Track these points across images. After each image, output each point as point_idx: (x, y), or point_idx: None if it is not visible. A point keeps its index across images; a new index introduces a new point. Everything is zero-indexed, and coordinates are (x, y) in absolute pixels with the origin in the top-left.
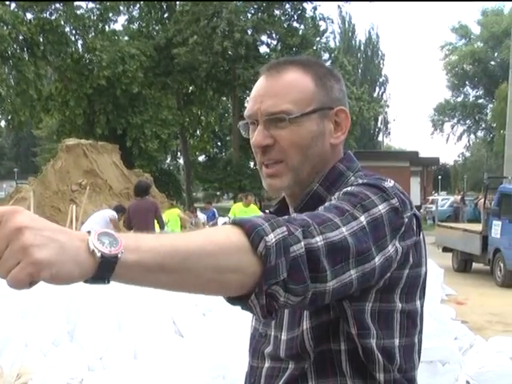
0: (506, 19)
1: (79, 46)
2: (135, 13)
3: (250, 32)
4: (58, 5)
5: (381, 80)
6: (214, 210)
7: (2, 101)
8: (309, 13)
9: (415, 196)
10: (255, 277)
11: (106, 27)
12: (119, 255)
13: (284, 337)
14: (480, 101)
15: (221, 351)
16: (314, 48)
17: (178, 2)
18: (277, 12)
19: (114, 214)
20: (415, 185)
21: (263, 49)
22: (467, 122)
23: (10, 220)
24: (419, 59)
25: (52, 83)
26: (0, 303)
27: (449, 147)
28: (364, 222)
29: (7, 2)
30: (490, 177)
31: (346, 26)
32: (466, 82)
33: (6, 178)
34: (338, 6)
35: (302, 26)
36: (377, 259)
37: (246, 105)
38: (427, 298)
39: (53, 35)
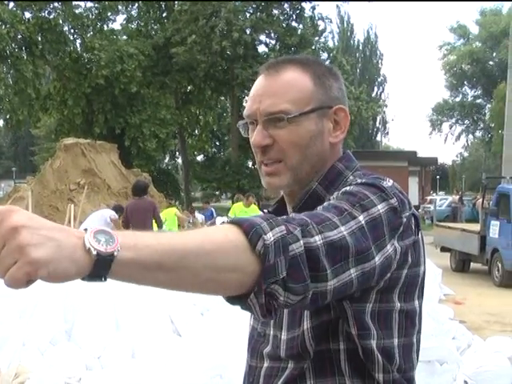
0: (505, 19)
1: (77, 45)
2: (134, 12)
3: (248, 31)
4: (56, 4)
5: (379, 80)
6: (212, 209)
7: (0, 100)
8: (307, 12)
9: (413, 196)
10: (254, 276)
11: (105, 26)
12: (115, 253)
13: (284, 336)
14: (478, 101)
15: (219, 350)
16: (313, 48)
17: (176, 2)
18: (275, 11)
19: (114, 213)
20: (413, 185)
21: (262, 48)
22: (465, 121)
23: (6, 219)
24: (417, 59)
25: (50, 82)
26: None
27: (447, 147)
28: (363, 222)
29: (5, 1)
30: (488, 177)
31: (345, 25)
32: (465, 82)
33: (4, 178)
34: (337, 6)
35: (301, 26)
36: (377, 258)
37: (244, 104)
38: (425, 297)
39: (51, 34)
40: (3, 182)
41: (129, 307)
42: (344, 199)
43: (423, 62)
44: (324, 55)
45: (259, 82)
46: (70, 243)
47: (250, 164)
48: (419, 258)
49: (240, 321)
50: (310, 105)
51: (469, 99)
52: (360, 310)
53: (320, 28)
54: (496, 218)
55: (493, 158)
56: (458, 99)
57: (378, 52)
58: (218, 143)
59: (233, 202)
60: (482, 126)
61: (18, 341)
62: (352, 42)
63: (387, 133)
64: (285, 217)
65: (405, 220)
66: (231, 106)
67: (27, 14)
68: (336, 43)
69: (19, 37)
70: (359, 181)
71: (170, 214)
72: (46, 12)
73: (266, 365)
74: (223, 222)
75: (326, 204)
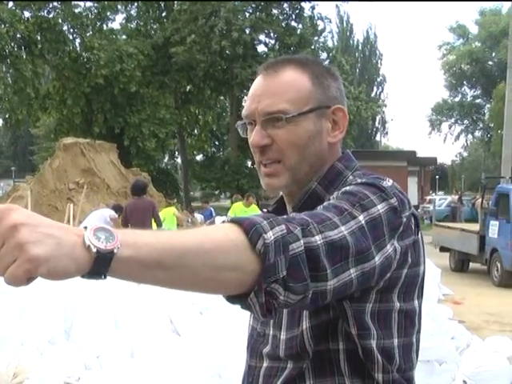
0: (504, 19)
1: (77, 44)
2: (133, 11)
3: (247, 31)
4: (55, 3)
5: (378, 79)
6: (211, 209)
7: (0, 99)
8: (307, 12)
9: (413, 196)
10: (254, 275)
11: (104, 26)
12: (115, 250)
13: (283, 336)
14: (478, 101)
15: (218, 350)
16: (312, 47)
17: (175, 1)
18: (275, 11)
19: (113, 213)
20: (413, 184)
21: (261, 48)
22: (465, 121)
23: (5, 218)
24: (417, 59)
25: (50, 82)
26: None
27: (446, 147)
28: (363, 222)
29: (5, 1)
30: (487, 177)
31: (344, 25)
32: (464, 82)
33: (4, 177)
34: (336, 6)
35: (300, 26)
36: (377, 258)
37: (243, 104)
38: (424, 297)
39: (50, 34)
40: (2, 181)
41: (128, 306)
42: (344, 199)
43: (422, 61)
44: (323, 55)
45: (258, 82)
46: (70, 241)
47: (249, 164)
48: (419, 257)
49: (239, 320)
50: (309, 105)
51: (468, 99)
52: (360, 309)
53: (319, 28)
54: (495, 217)
55: (492, 157)
56: (457, 99)
57: (378, 52)
58: (217, 143)
59: (231, 203)
60: (481, 125)
61: (16, 340)
62: (351, 41)
63: (386, 133)
64: (285, 216)
65: (405, 220)
66: (230, 105)
67: (26, 14)
68: (335, 43)
69: (18, 36)
70: (359, 180)
71: (168, 213)
72: (46, 11)
73: (265, 365)
74: (223, 221)
75: (326, 204)
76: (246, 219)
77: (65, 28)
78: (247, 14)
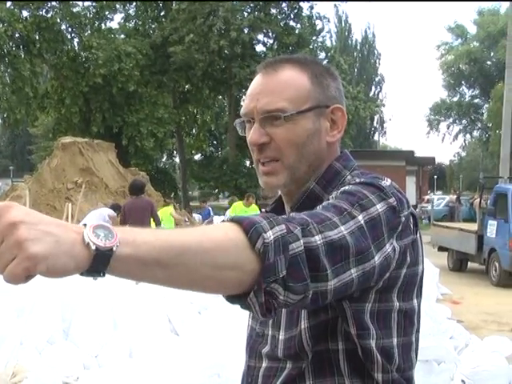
0: (502, 19)
1: (75, 43)
2: (131, 11)
3: (246, 31)
4: (54, 2)
5: (377, 79)
6: (210, 208)
7: None
8: (305, 12)
9: (411, 195)
10: (254, 274)
11: (102, 25)
12: (114, 248)
13: (282, 336)
14: (476, 100)
15: (216, 349)
16: (311, 47)
17: (174, 1)
18: (273, 11)
19: (112, 212)
20: (411, 184)
21: (259, 48)
22: (463, 121)
23: (4, 215)
24: (415, 59)
25: (48, 81)
26: None
27: (444, 147)
28: (362, 222)
29: (3, 0)
30: (485, 176)
31: (343, 25)
32: (462, 82)
33: (2, 176)
34: (335, 5)
35: (299, 25)
36: (376, 258)
37: (242, 103)
38: (423, 297)
39: (49, 33)
40: (0, 180)
41: (126, 306)
42: (343, 199)
43: (421, 61)
44: (322, 55)
45: (257, 81)
46: (69, 238)
47: (247, 163)
48: (418, 257)
49: (238, 320)
50: (307, 103)
51: (466, 99)
52: (359, 309)
53: (318, 27)
54: (493, 217)
55: (490, 157)
56: (455, 99)
57: (376, 51)
58: (215, 142)
59: (229, 203)
60: (479, 125)
61: (15, 340)
62: (350, 41)
63: (385, 132)
64: (285, 216)
65: (403, 219)
66: (229, 105)
67: (25, 13)
68: (334, 43)
69: (17, 35)
70: (358, 180)
71: (165, 213)
72: (44, 11)
73: (264, 365)
74: (223, 220)
75: (325, 203)
76: (246, 218)
77: (63, 27)
78: (245, 14)
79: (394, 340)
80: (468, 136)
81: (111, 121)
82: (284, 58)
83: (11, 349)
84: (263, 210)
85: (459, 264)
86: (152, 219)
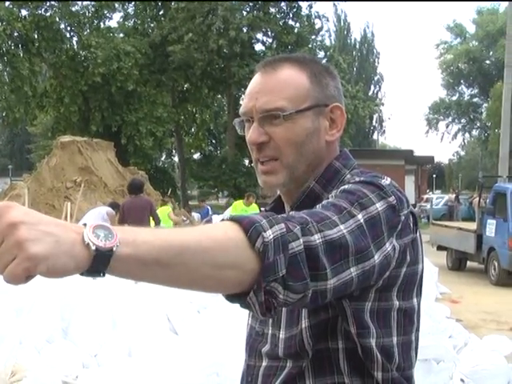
0: (501, 18)
1: (74, 42)
2: (130, 10)
3: (245, 30)
4: (53, 1)
5: (376, 78)
6: (208, 207)
7: None
8: (304, 11)
9: (410, 194)
10: (253, 274)
11: (101, 24)
12: (114, 248)
13: (282, 335)
14: (475, 100)
15: (215, 348)
16: (310, 46)
17: (173, 0)
18: (272, 10)
19: (111, 209)
20: (410, 183)
21: (258, 47)
22: (462, 120)
23: (3, 215)
24: (414, 58)
25: (47, 80)
26: None
27: (443, 146)
28: (362, 220)
29: None
30: (484, 176)
31: (342, 24)
32: (461, 81)
33: (1, 175)
34: (334, 4)
35: (298, 24)
36: (376, 257)
37: (241, 102)
38: (422, 296)
39: (48, 32)
40: None
41: (125, 305)
42: (343, 197)
43: (420, 60)
44: (321, 54)
45: (256, 80)
46: (69, 238)
47: (246, 162)
48: (417, 255)
49: (237, 319)
50: (307, 102)
51: (465, 98)
52: (359, 308)
53: (317, 26)
54: (492, 216)
55: (489, 156)
56: (454, 98)
57: (375, 51)
58: (214, 141)
59: (230, 205)
60: (478, 124)
61: (14, 339)
62: (349, 40)
63: (384, 131)
64: (285, 215)
65: (403, 218)
66: (228, 104)
67: (24, 12)
68: (333, 42)
69: (15, 34)
70: (357, 179)
71: (163, 213)
72: (43, 10)
73: (264, 364)
74: (223, 219)
75: (325, 202)
76: (246, 218)
77: (62, 26)
78: (244, 13)
79: (394, 339)
80: (467, 135)
81: (110, 120)
82: (283, 57)
83: (10, 348)
84: (263, 209)
85: (458, 263)
86: (151, 218)
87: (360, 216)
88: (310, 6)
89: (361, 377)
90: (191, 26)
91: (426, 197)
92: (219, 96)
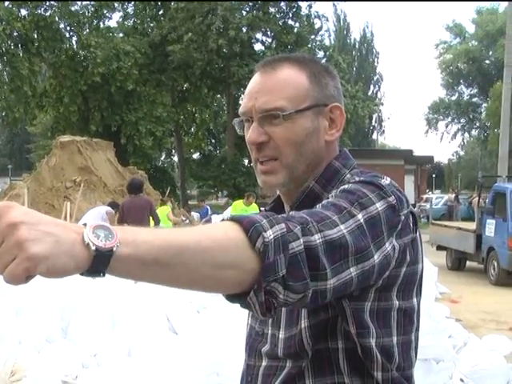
0: (501, 18)
1: (74, 42)
2: (130, 10)
3: (244, 30)
4: (52, 1)
5: (375, 78)
6: (208, 207)
7: None
8: (304, 11)
9: (409, 194)
10: (254, 273)
11: (101, 24)
12: (114, 248)
13: (282, 335)
14: (474, 99)
15: (215, 348)
16: (309, 46)
17: (172, 0)
18: (272, 10)
19: (110, 208)
20: (409, 183)
21: (258, 46)
22: (461, 120)
23: (4, 215)
24: (414, 58)
25: (46, 80)
26: None
27: (443, 146)
28: (361, 220)
29: None
30: (484, 175)
31: (341, 24)
32: (461, 81)
33: (0, 175)
34: (333, 4)
35: (297, 24)
36: (376, 257)
37: (240, 102)
38: (421, 295)
39: (47, 32)
40: None
41: (125, 305)
42: (343, 197)
43: (419, 60)
44: (320, 53)
45: (255, 80)
46: (69, 238)
47: (246, 162)
48: (417, 255)
49: (237, 318)
50: (306, 102)
51: (465, 98)
52: (359, 308)
53: (316, 26)
54: (492, 216)
55: (489, 156)
56: (454, 98)
57: (374, 50)
58: (214, 141)
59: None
60: (478, 124)
61: (14, 339)
62: (348, 40)
63: (383, 131)
64: (285, 215)
65: (403, 218)
66: (227, 103)
67: (23, 12)
68: (332, 41)
69: (15, 34)
70: (357, 179)
71: (162, 213)
72: (42, 9)
73: (264, 364)
74: (223, 219)
75: (324, 202)
76: (246, 217)
77: (61, 26)
78: (244, 13)
79: (394, 339)
80: (466, 135)
81: (110, 119)
82: (282, 56)
83: (10, 348)
84: (262, 209)
85: (458, 263)
86: (151, 218)
87: (360, 216)
88: (310, 6)
89: (361, 377)
90: (191, 26)
91: (425, 197)
92: (219, 96)
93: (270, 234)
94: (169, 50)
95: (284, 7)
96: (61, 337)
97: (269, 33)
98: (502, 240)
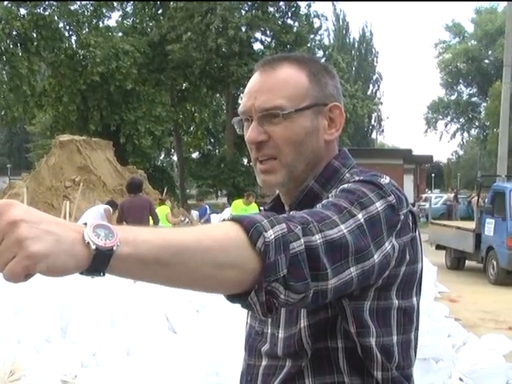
0: (500, 17)
1: (73, 41)
2: (129, 9)
3: (244, 29)
4: (51, 0)
5: (374, 77)
6: (207, 206)
7: None
8: (303, 10)
9: (408, 194)
10: (254, 273)
11: (100, 23)
12: (114, 248)
13: (281, 335)
14: (473, 99)
15: (214, 348)
16: (308, 45)
17: None
18: (271, 9)
19: (108, 206)
20: (408, 182)
21: (257, 46)
22: (461, 120)
23: (4, 213)
24: (413, 57)
25: (45, 79)
26: None
27: (442, 145)
28: (362, 220)
29: None
30: (483, 175)
31: (340, 23)
32: (460, 80)
33: None
34: (332, 4)
35: (296, 24)
36: (376, 256)
37: (239, 102)
38: (421, 295)
39: (46, 31)
40: None
41: (124, 304)
42: (343, 197)
43: (418, 60)
44: (319, 53)
45: (255, 79)
46: (69, 237)
47: (245, 161)
48: (417, 254)
49: (236, 318)
50: (306, 101)
51: (464, 97)
52: (359, 307)
53: (315, 26)
54: (491, 215)
55: (488, 156)
56: (453, 97)
57: (374, 50)
58: (213, 140)
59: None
60: (477, 124)
61: (13, 338)
62: (347, 39)
63: (382, 130)
64: (285, 215)
65: (402, 217)
66: (226, 103)
67: (22, 11)
68: (331, 41)
69: (14, 33)
70: (357, 178)
71: (161, 212)
72: (42, 9)
73: (263, 363)
74: (223, 219)
75: (325, 202)
76: (246, 217)
77: (61, 25)
78: (243, 12)
79: (394, 338)
80: (466, 134)
81: (109, 119)
82: (282, 56)
83: (9, 347)
84: (262, 208)
85: (457, 262)
86: (151, 217)
87: (360, 215)
88: (309, 5)
89: (360, 376)
90: (190, 25)
91: (424, 196)
92: (218, 95)
93: (270, 234)
94: (168, 50)
95: (283, 6)
96: (60, 336)
97: (268, 32)
98: (501, 239)
